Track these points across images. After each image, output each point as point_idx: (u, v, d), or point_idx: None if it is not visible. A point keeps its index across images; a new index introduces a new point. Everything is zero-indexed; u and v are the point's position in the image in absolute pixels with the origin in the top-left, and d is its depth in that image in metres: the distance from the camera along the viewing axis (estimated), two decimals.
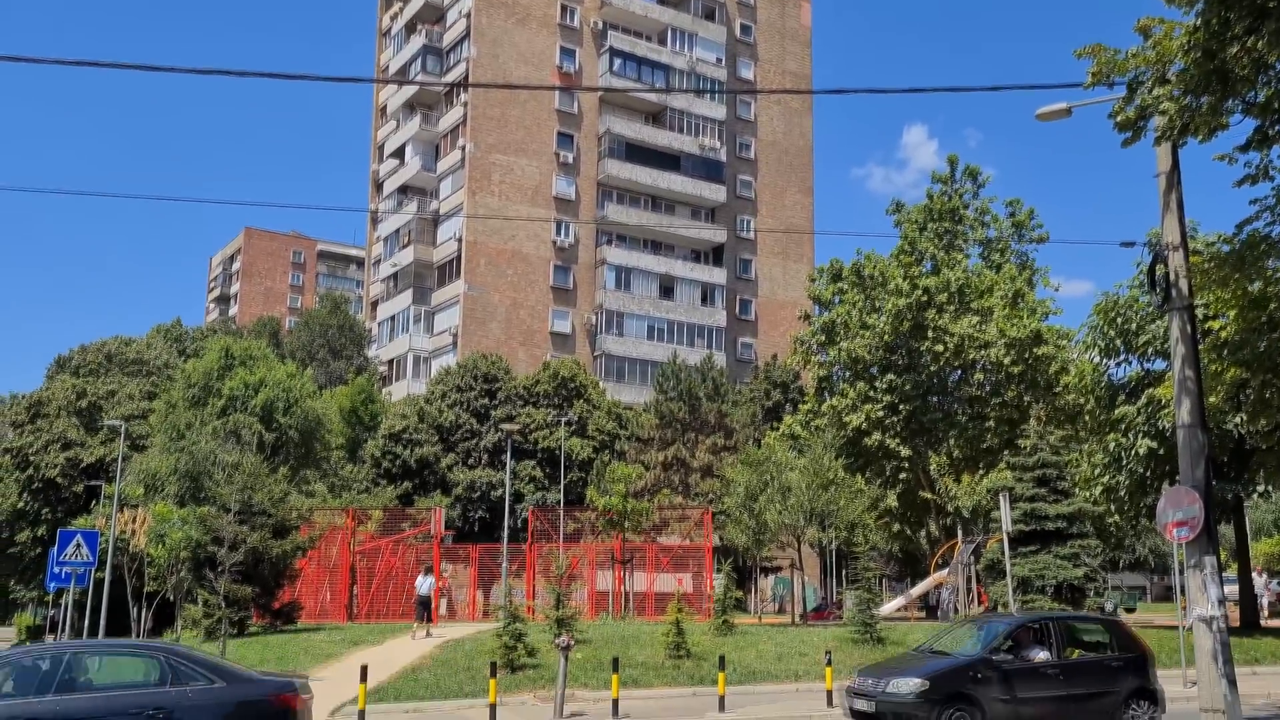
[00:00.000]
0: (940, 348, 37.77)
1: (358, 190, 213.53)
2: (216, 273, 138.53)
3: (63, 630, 25.93)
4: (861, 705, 14.54)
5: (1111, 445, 29.29)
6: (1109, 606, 50.04)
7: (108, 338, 73.99)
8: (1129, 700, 14.61)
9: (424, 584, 28.99)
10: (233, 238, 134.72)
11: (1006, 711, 14.14)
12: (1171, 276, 14.07)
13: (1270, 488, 34.56)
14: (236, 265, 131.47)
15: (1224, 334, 17.45)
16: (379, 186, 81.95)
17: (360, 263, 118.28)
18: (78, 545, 19.92)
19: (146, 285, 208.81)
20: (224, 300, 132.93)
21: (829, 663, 19.23)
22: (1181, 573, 26.54)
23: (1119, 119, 12.71)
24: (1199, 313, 17.15)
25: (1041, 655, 14.84)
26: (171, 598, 38.73)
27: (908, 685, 14.17)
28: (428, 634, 26.29)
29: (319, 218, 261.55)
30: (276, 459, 43.88)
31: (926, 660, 15.11)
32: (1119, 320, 29.29)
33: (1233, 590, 32.44)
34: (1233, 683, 12.97)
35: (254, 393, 46.93)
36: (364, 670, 16.38)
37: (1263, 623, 33.26)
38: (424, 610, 28.21)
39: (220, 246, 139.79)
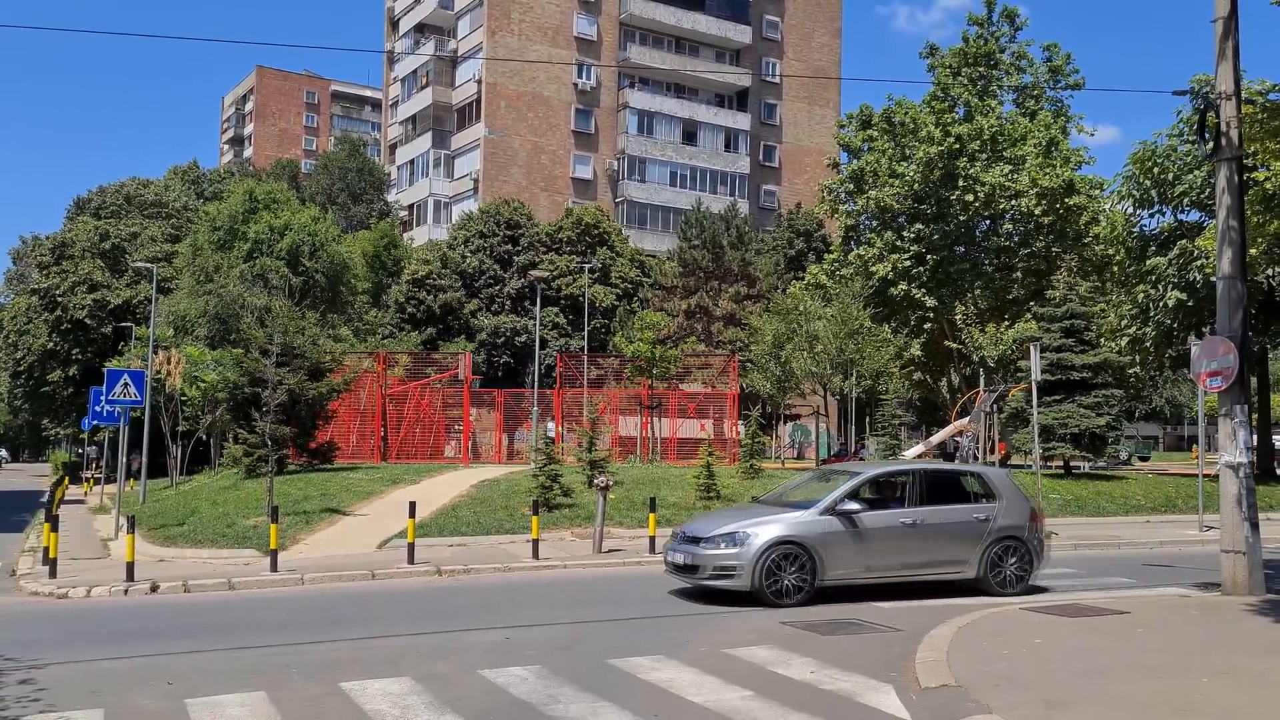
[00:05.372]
0: (970, 197, 37.36)
1: (372, 29, 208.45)
2: (229, 113, 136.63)
3: (103, 466, 26.79)
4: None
5: (1140, 297, 29.30)
6: (1123, 455, 50.92)
7: (125, 179, 73.76)
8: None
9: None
10: (244, 77, 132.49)
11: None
12: (1223, 125, 13.88)
13: None
14: (249, 106, 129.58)
15: (1268, 185, 17.28)
16: (395, 25, 79.96)
17: (375, 104, 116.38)
18: (125, 384, 20.35)
19: (159, 126, 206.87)
20: (237, 141, 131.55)
21: None
22: (1201, 423, 27.07)
23: None
24: None
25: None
26: (205, 437, 39.76)
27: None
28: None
29: (332, 57, 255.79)
30: (304, 303, 44.24)
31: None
32: (1155, 170, 28.85)
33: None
34: (1255, 526, 13.36)
35: (279, 236, 46.86)
36: (412, 506, 16.93)
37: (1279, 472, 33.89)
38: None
39: (232, 86, 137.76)
